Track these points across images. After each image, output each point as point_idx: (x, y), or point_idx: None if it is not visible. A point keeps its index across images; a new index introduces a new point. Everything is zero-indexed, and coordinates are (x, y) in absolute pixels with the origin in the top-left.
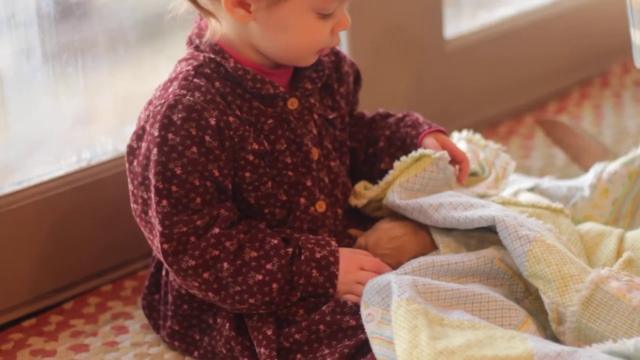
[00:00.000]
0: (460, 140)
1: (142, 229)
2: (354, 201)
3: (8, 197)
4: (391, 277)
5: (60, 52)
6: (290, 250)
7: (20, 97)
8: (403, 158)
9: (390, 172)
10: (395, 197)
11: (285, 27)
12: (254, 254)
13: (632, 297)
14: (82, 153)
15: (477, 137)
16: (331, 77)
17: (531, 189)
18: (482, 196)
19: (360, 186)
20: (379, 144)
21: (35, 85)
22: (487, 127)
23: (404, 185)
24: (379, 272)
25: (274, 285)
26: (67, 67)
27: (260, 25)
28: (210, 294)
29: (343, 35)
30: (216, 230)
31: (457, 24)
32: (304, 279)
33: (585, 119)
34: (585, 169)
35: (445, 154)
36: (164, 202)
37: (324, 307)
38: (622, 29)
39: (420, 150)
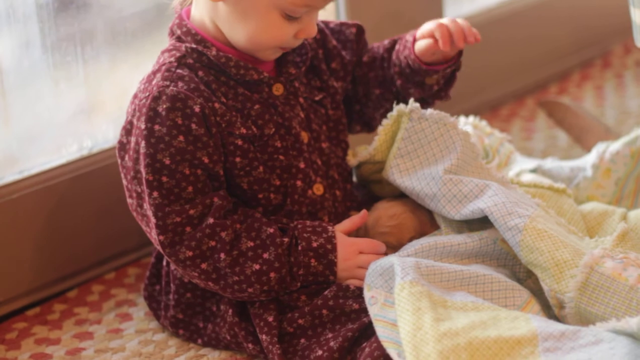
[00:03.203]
0: (467, 125)
1: (140, 222)
2: (351, 160)
3: (10, 186)
4: (394, 259)
5: (60, 43)
6: (286, 240)
7: (21, 88)
8: (385, 120)
9: (376, 138)
10: (396, 175)
11: (248, 16)
12: (251, 243)
13: (628, 275)
14: (83, 141)
15: (483, 123)
16: (317, 57)
17: (533, 170)
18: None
19: (361, 147)
20: (397, 82)
21: (35, 75)
22: (489, 110)
23: (397, 154)
24: (377, 253)
25: (272, 275)
26: (66, 57)
27: (227, 6)
28: (210, 283)
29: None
30: (210, 220)
31: (457, 7)
32: (303, 269)
33: (587, 100)
34: (588, 149)
35: (415, 106)
36: (155, 194)
37: (326, 292)
38: (622, 9)
39: (396, 108)
